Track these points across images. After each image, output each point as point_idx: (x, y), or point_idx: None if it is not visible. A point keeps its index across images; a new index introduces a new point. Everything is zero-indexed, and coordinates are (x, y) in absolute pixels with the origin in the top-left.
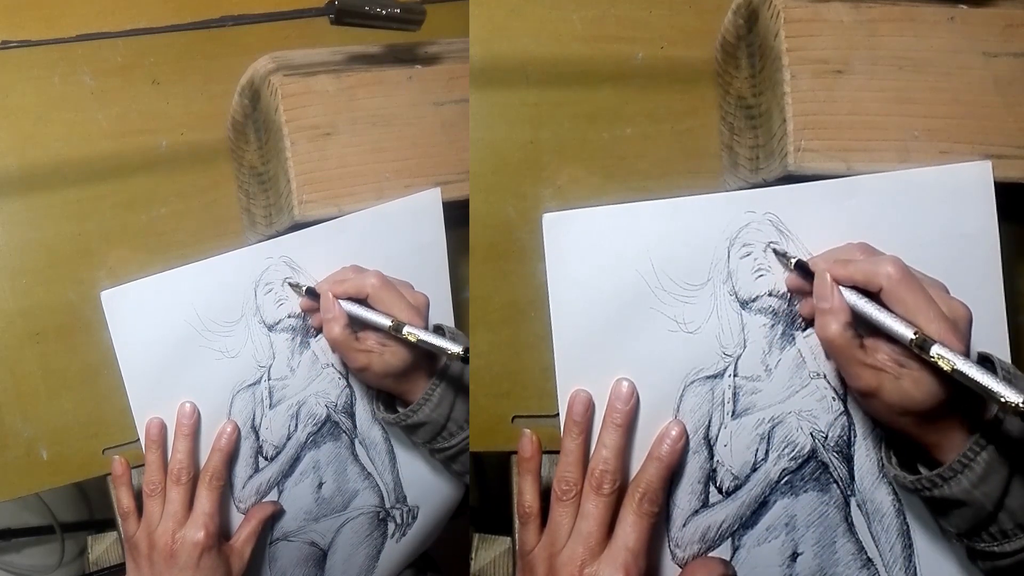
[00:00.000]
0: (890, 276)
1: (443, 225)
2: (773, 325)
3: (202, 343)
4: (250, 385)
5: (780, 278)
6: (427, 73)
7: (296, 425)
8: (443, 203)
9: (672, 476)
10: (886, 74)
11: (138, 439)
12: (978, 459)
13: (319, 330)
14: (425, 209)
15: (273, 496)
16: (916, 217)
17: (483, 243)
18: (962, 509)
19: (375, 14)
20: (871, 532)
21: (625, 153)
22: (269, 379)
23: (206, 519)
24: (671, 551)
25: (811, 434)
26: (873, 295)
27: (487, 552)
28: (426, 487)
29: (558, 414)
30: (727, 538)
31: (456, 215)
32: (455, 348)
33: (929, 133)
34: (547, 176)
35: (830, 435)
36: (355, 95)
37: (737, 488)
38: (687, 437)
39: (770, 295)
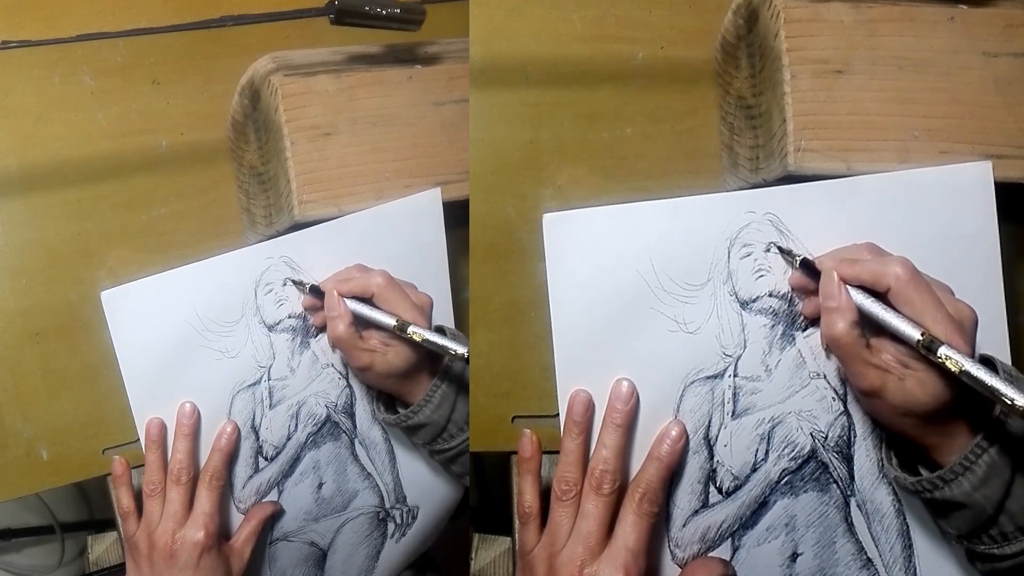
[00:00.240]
0: (899, 277)
1: (443, 225)
2: (773, 325)
3: (202, 343)
4: (250, 385)
5: (780, 278)
6: (427, 73)
7: (296, 425)
8: (443, 203)
9: (672, 476)
10: (886, 74)
11: (138, 439)
12: (979, 462)
13: (320, 330)
14: (425, 209)
15: (273, 496)
16: (916, 217)
17: (483, 243)
18: (962, 511)
19: (375, 14)
20: (871, 532)
21: (625, 153)
22: (269, 379)
23: (206, 519)
24: (671, 551)
25: (811, 434)
26: (879, 295)
27: (487, 552)
28: (426, 487)
29: (558, 414)
30: (727, 538)
31: (456, 215)
32: (460, 349)
33: (929, 133)
34: (547, 176)
35: (830, 435)
36: (355, 95)
37: (737, 488)
38: (687, 437)
39: (770, 295)
